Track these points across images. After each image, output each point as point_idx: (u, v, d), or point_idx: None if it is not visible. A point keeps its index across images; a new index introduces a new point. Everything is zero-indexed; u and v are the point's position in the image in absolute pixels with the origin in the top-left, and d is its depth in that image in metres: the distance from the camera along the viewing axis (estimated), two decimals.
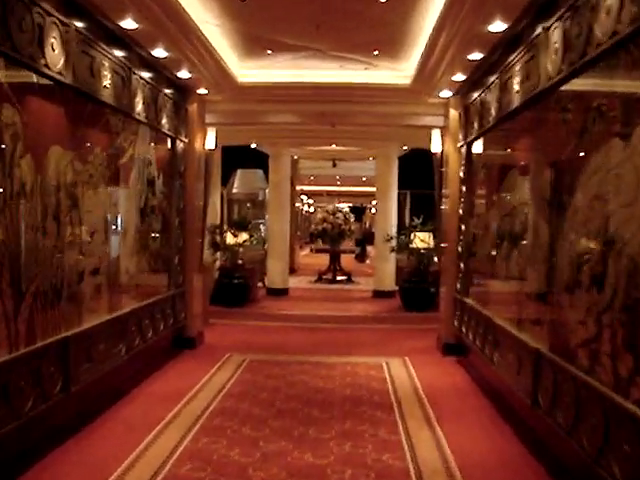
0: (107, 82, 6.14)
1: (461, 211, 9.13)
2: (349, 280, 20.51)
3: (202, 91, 9.41)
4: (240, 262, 14.84)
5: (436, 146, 9.85)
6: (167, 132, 8.52)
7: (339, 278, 20.53)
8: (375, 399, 7.14)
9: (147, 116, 7.56)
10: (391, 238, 14.83)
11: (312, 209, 42.32)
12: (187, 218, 9.49)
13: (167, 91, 8.42)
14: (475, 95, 8.20)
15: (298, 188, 26.09)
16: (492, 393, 7.15)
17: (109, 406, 6.50)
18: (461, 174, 9.15)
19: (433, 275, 14.58)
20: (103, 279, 6.40)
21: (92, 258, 6.08)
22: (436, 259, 14.44)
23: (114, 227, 6.69)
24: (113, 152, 6.61)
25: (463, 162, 9.00)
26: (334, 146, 15.02)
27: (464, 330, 8.65)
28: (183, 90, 9.18)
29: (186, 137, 9.39)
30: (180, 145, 9.16)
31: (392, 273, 16.51)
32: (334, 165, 17.66)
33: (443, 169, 9.77)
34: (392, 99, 9.95)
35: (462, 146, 9.06)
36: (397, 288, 15.97)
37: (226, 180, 22.86)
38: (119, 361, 6.73)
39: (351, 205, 22.35)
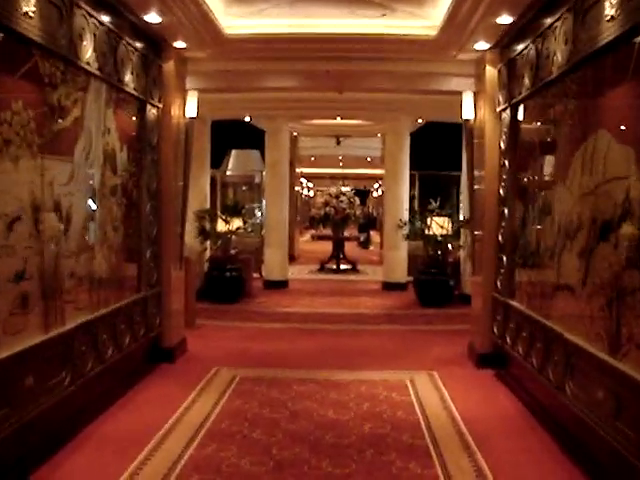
0: (30, 8, 4.32)
1: (502, 191, 7.36)
2: (354, 269, 18.79)
3: (180, 44, 7.60)
4: (233, 252, 13.10)
5: (468, 112, 8.05)
6: (134, 93, 6.72)
7: (343, 267, 18.81)
8: (404, 440, 5.38)
9: (102, 68, 5.75)
10: (405, 224, 13.05)
11: (312, 193, 40.45)
12: (163, 202, 7.73)
13: (133, 41, 6.62)
14: (525, 43, 6.42)
15: (298, 171, 24.36)
16: (561, 432, 5.37)
17: (41, 460, 4.74)
18: (502, 145, 7.38)
19: (452, 266, 12.88)
20: (33, 286, 4.62)
21: (11, 258, 4.31)
22: (451, 247, 12.74)
23: (50, 214, 4.91)
24: (46, 111, 4.81)
25: (505, 130, 7.22)
26: (339, 119, 13.20)
27: (508, 340, 6.90)
28: (155, 42, 7.39)
29: (160, 102, 7.60)
30: (152, 111, 7.37)
31: (404, 263, 14.76)
32: (338, 143, 15.88)
33: (476, 140, 7.99)
34: (414, 55, 8.16)
35: (503, 110, 7.28)
36: (409, 280, 14.29)
37: (219, 161, 21.19)
38: (61, 394, 4.96)
39: (354, 188, 20.53)
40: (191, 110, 8.11)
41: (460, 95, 8.64)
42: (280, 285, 14.73)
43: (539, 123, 6.12)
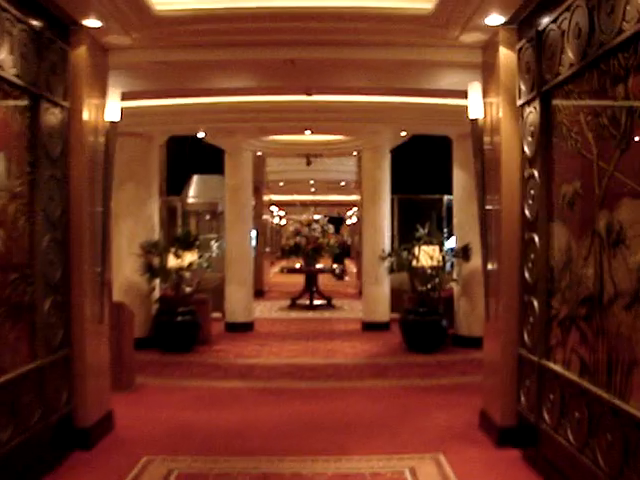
0: None
1: (528, 212, 5.47)
2: (329, 305, 16.86)
3: (92, 23, 5.65)
4: (188, 290, 11.10)
5: (475, 110, 6.15)
6: (15, 82, 4.76)
7: (317, 303, 16.86)
8: None
9: None
10: (388, 255, 11.12)
11: (284, 221, 38.45)
12: (72, 234, 5.73)
13: (16, 9, 4.67)
14: (561, 8, 4.58)
15: (266, 198, 22.45)
16: None
17: None
18: (526, 150, 5.50)
19: (444, 303, 10.98)
20: None
21: None
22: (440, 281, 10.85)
23: None
24: None
25: (531, 129, 5.34)
26: (308, 133, 11.26)
27: (547, 417, 4.98)
28: (57, 19, 5.43)
29: (66, 99, 5.64)
30: (52, 111, 5.39)
31: (386, 299, 12.87)
32: (308, 163, 13.97)
33: (487, 147, 6.11)
34: (403, 38, 6.27)
35: (527, 103, 5.41)
36: (393, 318, 12.42)
37: (179, 187, 19.31)
38: None
39: (327, 216, 18.67)
40: (113, 112, 6.14)
41: (458, 96, 6.84)
42: (244, 328, 12.73)
43: (596, 111, 4.22)
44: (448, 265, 11.63)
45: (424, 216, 20.67)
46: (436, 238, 11.03)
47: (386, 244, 12.55)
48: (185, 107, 9.27)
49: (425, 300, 10.69)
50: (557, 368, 4.82)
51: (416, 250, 10.67)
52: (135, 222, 10.82)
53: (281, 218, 37.76)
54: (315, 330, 13.15)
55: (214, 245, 11.25)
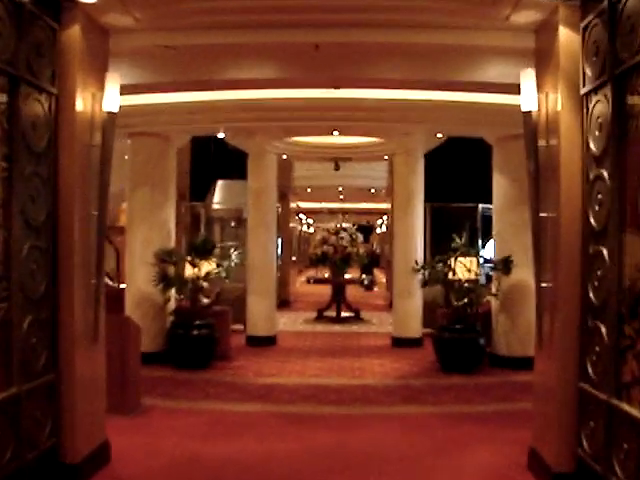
0: None
1: (594, 220, 4.60)
2: (357, 317, 16.01)
3: None
4: (206, 301, 10.35)
5: (528, 101, 5.30)
6: None
7: (344, 315, 16.02)
8: None
9: None
10: (422, 267, 10.25)
11: (312, 229, 37.65)
12: (61, 240, 4.97)
13: None
14: None
15: (293, 205, 21.70)
16: None
17: None
18: (592, 146, 4.63)
19: (482, 318, 10.10)
20: None
21: None
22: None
23: None
24: None
25: (599, 122, 4.48)
26: (336, 134, 10.42)
27: (618, 468, 4.10)
28: None
29: (54, 85, 4.89)
30: (37, 98, 4.64)
31: (418, 314, 12.01)
32: (337, 168, 13.16)
33: (543, 144, 5.25)
34: (444, 19, 5.47)
35: (595, 91, 4.55)
36: (425, 333, 11.64)
37: (203, 193, 18.64)
38: None
39: (355, 224, 17.81)
40: (111, 102, 5.37)
41: (506, 90, 6.00)
42: (266, 342, 11.93)
43: None
44: (482, 278, 10.79)
45: (457, 226, 19.78)
46: (474, 249, 10.18)
47: (419, 255, 11.70)
48: (201, 104, 8.54)
49: (461, 316, 9.82)
50: (634, 412, 3.94)
51: (452, 262, 9.80)
52: (149, 228, 10.09)
53: (309, 226, 36.97)
54: (342, 345, 12.33)
55: (233, 253, 10.45)
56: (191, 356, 9.77)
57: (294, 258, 20.68)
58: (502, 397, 8.28)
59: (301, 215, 34.11)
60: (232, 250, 10.60)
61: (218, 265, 10.22)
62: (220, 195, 18.95)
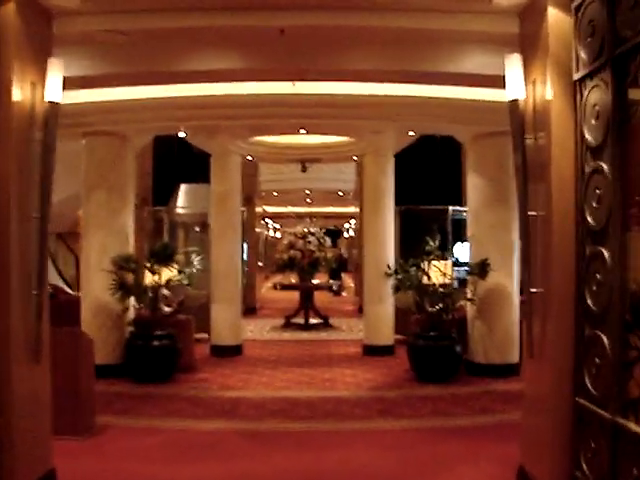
0: None
1: (591, 218, 4.14)
2: (326, 324, 15.50)
3: None
4: (167, 310, 9.81)
5: (514, 89, 4.84)
6: None
7: (313, 321, 15.52)
8: None
9: None
10: (395, 272, 9.74)
11: (279, 234, 37.04)
12: None
13: None
14: None
15: (259, 210, 21.16)
16: None
17: None
18: (587, 136, 4.18)
19: (456, 324, 9.68)
20: None
21: None
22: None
23: None
24: None
25: (597, 109, 4.03)
26: (303, 132, 9.89)
27: None
28: None
29: None
30: None
31: (390, 320, 11.56)
32: (304, 169, 12.66)
33: (529, 138, 4.80)
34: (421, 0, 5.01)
35: (590, 76, 4.11)
36: (397, 339, 11.26)
37: (166, 197, 18.03)
38: None
39: (323, 228, 17.27)
40: (53, 91, 4.81)
41: (485, 83, 5.59)
42: (232, 352, 11.38)
43: None
44: (455, 283, 10.41)
45: (427, 229, 19.37)
46: (448, 253, 9.75)
47: (390, 259, 11.24)
48: (159, 101, 8.10)
49: (436, 322, 9.38)
50: None
51: (426, 266, 9.35)
52: (106, 234, 9.51)
53: (275, 230, 36.40)
54: (311, 354, 11.81)
55: (195, 259, 9.90)
56: (151, 369, 9.19)
57: (261, 264, 20.12)
58: (482, 408, 7.84)
59: (268, 220, 33.57)
60: (194, 256, 10.03)
61: (180, 272, 9.66)
62: (184, 199, 18.33)
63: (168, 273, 9.48)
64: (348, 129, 9.84)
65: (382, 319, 11.43)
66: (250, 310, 18.38)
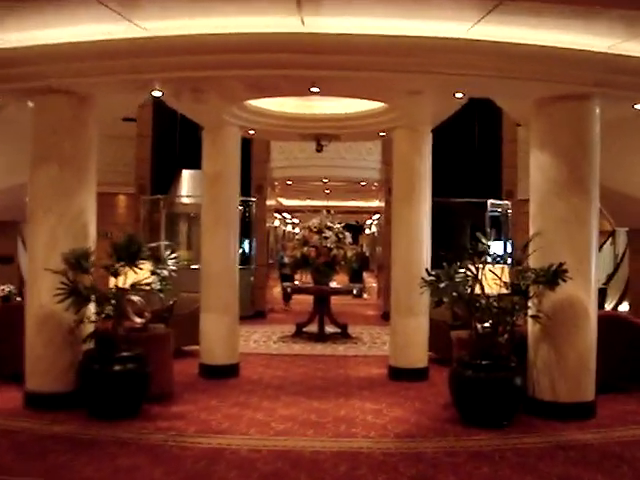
0: None
1: None
2: (344, 334, 13.17)
3: None
4: (139, 321, 7.62)
5: None
6: None
7: (329, 330, 13.21)
8: None
9: None
10: (437, 279, 7.26)
11: (290, 227, 34.58)
12: None
13: None
14: None
15: (272, 202, 18.87)
16: None
17: None
18: None
19: (518, 348, 7.35)
20: None
21: None
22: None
23: None
24: None
25: None
26: (315, 91, 7.27)
27: None
28: None
29: None
30: None
31: (424, 337, 9.28)
32: (319, 148, 10.27)
33: None
34: None
35: None
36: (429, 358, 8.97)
37: (165, 185, 15.88)
38: None
39: (342, 222, 14.90)
40: None
41: None
42: (225, 373, 9.13)
43: None
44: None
45: (459, 226, 17.05)
46: (504, 255, 7.41)
47: (427, 262, 8.92)
48: (122, 43, 5.83)
49: (488, 346, 7.04)
50: None
51: (478, 271, 7.00)
52: (58, 221, 7.27)
53: (288, 225, 33.99)
54: (324, 377, 9.49)
55: (169, 256, 7.57)
56: (111, 400, 6.96)
57: (272, 261, 17.86)
58: (562, 472, 5.50)
59: (285, 214, 31.28)
60: (167, 252, 7.71)
61: (153, 273, 7.38)
62: (187, 187, 16.16)
63: (144, 273, 7.23)
64: (373, 86, 7.38)
65: (414, 336, 9.12)
66: (259, 314, 16.18)
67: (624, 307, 12.79)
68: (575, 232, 7.16)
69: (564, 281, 6.77)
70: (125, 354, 7.08)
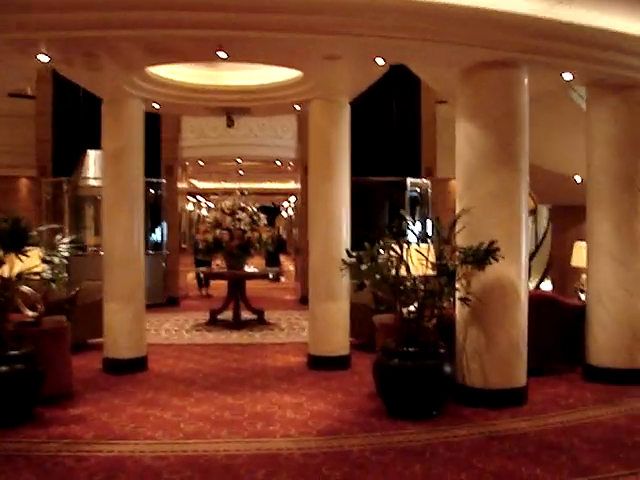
0: None
1: None
2: (261, 320, 12.55)
3: None
4: (31, 315, 6.82)
5: None
6: None
7: (246, 317, 12.58)
8: None
9: None
10: (358, 260, 6.66)
11: (204, 210, 33.43)
12: None
13: None
14: None
15: (183, 186, 18.03)
16: None
17: None
18: None
19: (446, 333, 6.90)
20: None
21: None
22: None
23: None
24: None
25: None
26: (223, 57, 6.55)
27: None
28: None
29: None
30: None
31: (345, 323, 8.76)
32: (230, 123, 9.57)
33: None
34: None
35: None
36: (353, 345, 8.61)
37: (69, 166, 14.87)
38: None
39: (257, 203, 14.13)
40: None
41: None
42: (132, 367, 8.38)
43: None
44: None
45: (378, 205, 16.62)
46: (424, 232, 6.91)
47: (346, 243, 8.39)
48: None
49: (415, 331, 6.54)
50: None
51: (402, 251, 6.47)
52: None
53: (203, 209, 32.94)
54: (239, 368, 8.85)
55: (61, 241, 6.75)
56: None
57: (184, 246, 17.05)
58: (497, 472, 5.03)
59: (195, 197, 30.19)
60: (58, 237, 6.89)
61: (45, 261, 6.58)
62: (92, 168, 15.15)
63: (32, 262, 6.42)
64: (288, 52, 6.71)
65: (334, 322, 8.58)
66: (172, 302, 15.42)
67: (547, 285, 12.60)
68: (505, 208, 6.73)
69: (496, 260, 6.31)
70: (13, 353, 6.27)
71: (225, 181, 23.87)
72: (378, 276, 6.42)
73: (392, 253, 6.50)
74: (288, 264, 27.12)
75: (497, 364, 6.73)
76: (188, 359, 9.38)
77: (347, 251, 6.89)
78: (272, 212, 31.09)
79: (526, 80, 6.89)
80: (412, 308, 6.63)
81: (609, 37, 6.63)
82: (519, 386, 6.84)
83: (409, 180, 14.97)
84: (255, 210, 12.78)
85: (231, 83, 8.70)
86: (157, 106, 9.17)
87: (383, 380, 6.55)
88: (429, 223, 14.84)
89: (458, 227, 6.67)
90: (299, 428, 6.14)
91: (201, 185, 25.33)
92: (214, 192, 27.60)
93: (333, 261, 7.88)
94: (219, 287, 16.45)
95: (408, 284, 6.51)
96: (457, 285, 6.72)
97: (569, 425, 6.21)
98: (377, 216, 15.67)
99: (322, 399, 7.15)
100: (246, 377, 8.27)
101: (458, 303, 6.87)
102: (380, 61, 6.68)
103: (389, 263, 6.45)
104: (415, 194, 15.70)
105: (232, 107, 9.23)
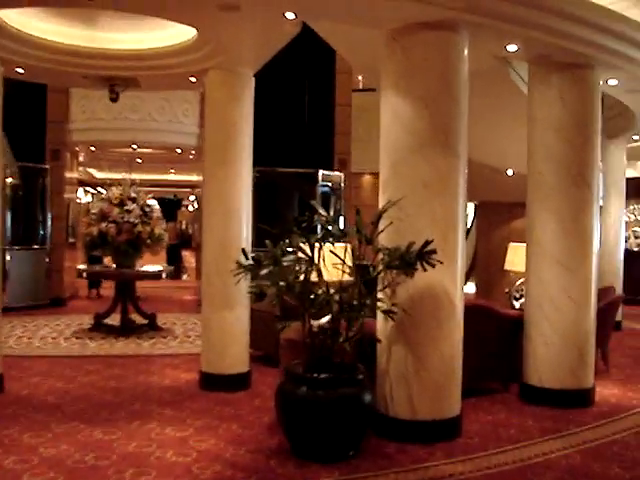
0: None
1: None
2: (152, 326, 11.06)
3: None
4: None
5: None
6: None
7: (140, 321, 11.08)
8: None
9: None
10: (257, 263, 5.29)
11: (89, 198, 31.23)
12: None
13: None
14: None
15: (74, 175, 16.28)
16: None
17: None
18: None
19: (365, 354, 5.65)
20: None
21: None
22: (380, 317, 5.57)
23: None
24: None
25: None
26: (102, 15, 5.05)
27: None
28: None
29: None
30: None
31: (244, 335, 7.43)
32: (114, 97, 8.07)
33: None
34: None
35: None
36: (253, 358, 7.28)
37: None
38: None
39: (151, 194, 12.50)
40: None
41: None
42: None
43: None
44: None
45: (286, 199, 15.35)
46: (336, 229, 5.63)
47: (247, 241, 7.08)
48: None
49: (328, 351, 5.28)
50: None
51: (313, 252, 5.19)
52: None
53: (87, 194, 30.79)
54: (118, 387, 7.40)
55: None
56: None
57: (71, 240, 15.33)
58: None
59: (96, 187, 28.18)
60: None
61: None
62: None
63: None
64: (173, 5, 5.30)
65: (232, 333, 7.22)
66: (56, 303, 13.77)
67: (470, 287, 11.62)
68: (439, 201, 5.53)
69: (432, 266, 5.08)
70: None
71: (127, 172, 22.18)
72: (283, 283, 5.10)
73: (300, 254, 5.22)
74: (192, 261, 25.56)
75: (427, 391, 5.54)
76: (58, 376, 7.85)
77: (243, 251, 5.54)
78: (174, 205, 29.44)
79: (466, 50, 5.73)
80: (325, 321, 5.37)
81: (569, 3, 5.54)
82: (453, 416, 5.68)
83: (321, 172, 13.69)
84: (147, 201, 11.24)
85: (113, 47, 7.22)
86: (21, 71, 7.56)
87: (288, 413, 5.24)
88: (342, 220, 13.72)
89: (383, 223, 5.43)
90: (180, 477, 4.78)
91: (100, 175, 23.61)
92: (114, 183, 25.75)
93: (230, 261, 6.46)
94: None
95: (320, 293, 5.23)
96: (380, 295, 5.50)
97: (515, 467, 5.09)
98: (285, 212, 14.40)
99: (213, 432, 5.80)
100: (124, 400, 6.83)
101: (380, 317, 5.63)
102: (290, 15, 5.35)
103: (297, 267, 5.15)
104: (327, 189, 14.46)
105: (115, 77, 7.74)
